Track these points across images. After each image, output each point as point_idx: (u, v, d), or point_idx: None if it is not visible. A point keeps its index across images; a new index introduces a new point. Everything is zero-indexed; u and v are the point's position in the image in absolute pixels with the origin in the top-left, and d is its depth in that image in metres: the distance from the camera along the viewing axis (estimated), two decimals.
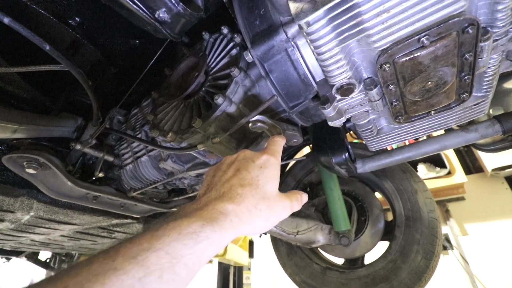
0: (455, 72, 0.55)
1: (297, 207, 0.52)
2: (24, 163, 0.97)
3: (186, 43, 0.96)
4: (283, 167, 1.66)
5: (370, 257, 1.36)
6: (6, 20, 0.53)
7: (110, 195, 1.14)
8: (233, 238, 0.42)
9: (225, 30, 0.79)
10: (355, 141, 1.66)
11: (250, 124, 0.63)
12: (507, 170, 3.04)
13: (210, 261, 3.58)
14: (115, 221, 1.46)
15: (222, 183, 0.48)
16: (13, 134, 0.81)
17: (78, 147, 0.96)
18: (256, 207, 0.45)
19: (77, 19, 0.83)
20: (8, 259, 2.58)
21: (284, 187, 1.59)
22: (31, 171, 0.98)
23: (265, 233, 1.51)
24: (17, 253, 2.39)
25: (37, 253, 2.67)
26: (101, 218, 1.37)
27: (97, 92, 0.91)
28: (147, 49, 0.99)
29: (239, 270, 3.94)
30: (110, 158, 1.06)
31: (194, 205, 0.44)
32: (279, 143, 0.59)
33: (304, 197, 0.55)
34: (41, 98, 1.01)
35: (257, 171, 0.49)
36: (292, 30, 0.60)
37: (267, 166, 0.50)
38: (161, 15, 0.56)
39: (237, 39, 0.75)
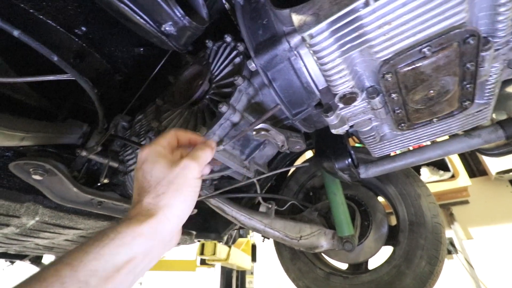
0: (457, 81, 0.56)
1: (202, 154, 0.51)
2: (31, 170, 0.98)
3: (190, 51, 0.97)
4: (285, 172, 1.66)
5: (374, 262, 1.35)
6: (16, 33, 0.55)
7: (115, 200, 1.15)
8: (156, 233, 0.42)
9: (228, 39, 0.80)
10: (357, 145, 1.67)
11: (254, 132, 0.64)
12: (511, 173, 3.02)
13: (213, 266, 3.57)
14: None
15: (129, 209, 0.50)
16: (21, 142, 0.83)
17: (84, 153, 0.98)
18: (158, 194, 0.45)
19: (83, 28, 0.85)
20: (12, 262, 2.59)
21: (286, 191, 1.59)
22: (37, 177, 0.99)
23: (267, 238, 1.51)
24: (21, 256, 2.40)
25: (41, 257, 2.68)
26: (106, 223, 1.38)
27: (102, 99, 0.93)
28: (151, 57, 1.01)
29: (242, 274, 3.93)
30: (115, 164, 1.08)
31: None
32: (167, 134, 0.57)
33: (210, 142, 0.54)
34: (48, 105, 1.02)
35: (139, 173, 0.49)
36: (295, 39, 0.61)
37: (141, 162, 0.50)
38: (167, 28, 0.57)
39: (241, 47, 0.76)
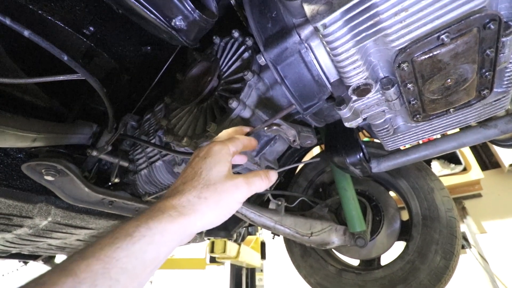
0: (476, 68, 0.54)
1: (259, 183, 0.50)
2: (43, 170, 0.99)
3: (197, 48, 0.97)
4: (294, 169, 1.65)
5: (386, 258, 1.33)
6: (26, 33, 0.55)
7: (126, 200, 1.16)
8: (182, 234, 0.41)
9: (236, 34, 0.79)
10: (365, 139, 1.64)
11: (265, 128, 0.63)
12: None
13: (222, 263, 3.59)
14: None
15: (168, 190, 0.47)
16: (33, 143, 0.83)
17: (94, 153, 0.98)
18: (200, 196, 0.44)
19: (91, 28, 0.85)
20: (26, 263, 2.64)
21: (295, 187, 1.58)
22: (49, 178, 1.00)
23: (277, 235, 1.50)
24: (34, 257, 2.45)
25: (54, 257, 2.73)
26: (117, 223, 1.39)
27: (111, 99, 0.93)
28: (158, 56, 1.01)
29: (251, 271, 3.94)
30: (125, 164, 1.08)
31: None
32: (240, 139, 0.56)
33: (271, 174, 0.53)
34: (58, 106, 1.03)
35: (200, 163, 0.48)
36: (306, 31, 0.59)
37: (209, 154, 0.49)
38: (177, 23, 0.56)
39: (249, 42, 0.75)
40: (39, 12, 0.77)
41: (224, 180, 0.46)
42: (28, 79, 0.66)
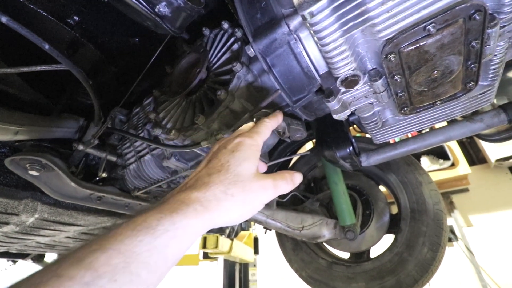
0: (462, 60, 0.54)
1: (284, 186, 0.48)
2: (27, 165, 0.97)
3: (186, 40, 0.95)
4: (287, 162, 1.65)
5: (375, 251, 1.36)
6: (3, 19, 0.53)
7: (114, 195, 1.14)
8: (203, 229, 0.40)
9: (225, 25, 0.78)
10: (357, 135, 1.65)
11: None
12: (511, 161, 3.03)
13: (216, 259, 3.59)
14: (120, 221, 1.46)
15: (191, 178, 0.45)
16: (15, 136, 0.81)
17: (81, 147, 0.96)
18: (227, 192, 0.41)
19: (76, 18, 0.82)
20: (15, 261, 2.59)
21: None
22: (34, 173, 0.98)
23: (269, 229, 1.51)
24: (23, 255, 2.40)
25: (43, 255, 2.68)
26: (106, 219, 1.37)
27: (98, 91, 0.91)
28: (147, 47, 0.98)
29: (244, 266, 3.96)
30: (113, 158, 1.06)
31: (157, 202, 0.41)
32: (265, 124, 0.55)
33: (296, 177, 0.51)
34: (42, 99, 1.00)
35: (227, 156, 0.46)
36: (295, 22, 0.59)
37: (239, 148, 0.47)
38: (161, 9, 0.55)
39: (238, 33, 0.74)
40: (20, 0, 0.74)
41: (252, 179, 0.44)
42: (8, 68, 0.63)
